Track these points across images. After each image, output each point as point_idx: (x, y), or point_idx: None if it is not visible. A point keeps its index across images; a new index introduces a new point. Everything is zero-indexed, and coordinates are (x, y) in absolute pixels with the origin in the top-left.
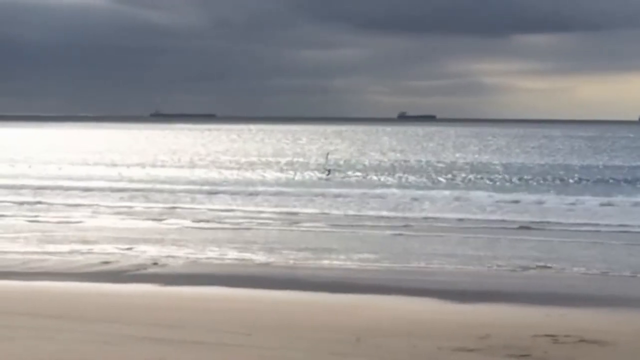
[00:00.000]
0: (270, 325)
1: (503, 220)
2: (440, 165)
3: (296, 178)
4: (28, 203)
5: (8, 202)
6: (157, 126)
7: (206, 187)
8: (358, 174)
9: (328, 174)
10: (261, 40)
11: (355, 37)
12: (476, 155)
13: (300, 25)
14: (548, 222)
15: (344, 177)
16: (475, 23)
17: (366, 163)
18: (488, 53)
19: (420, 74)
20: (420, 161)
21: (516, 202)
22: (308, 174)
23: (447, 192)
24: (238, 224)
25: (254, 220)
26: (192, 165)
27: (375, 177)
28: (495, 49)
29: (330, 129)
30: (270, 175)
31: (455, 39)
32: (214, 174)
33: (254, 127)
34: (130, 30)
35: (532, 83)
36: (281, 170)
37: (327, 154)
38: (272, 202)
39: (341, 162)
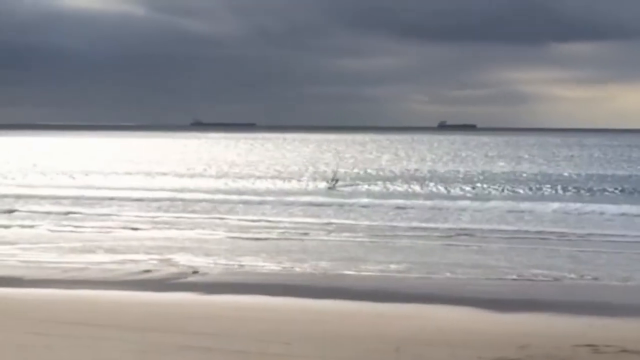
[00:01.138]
0: (310, 335)
1: (541, 232)
2: (472, 175)
3: (326, 187)
4: (65, 213)
5: (45, 212)
6: (196, 135)
7: (242, 197)
8: (388, 183)
9: (335, 184)
10: (300, 49)
11: (395, 46)
12: (513, 164)
13: (339, 34)
14: (587, 233)
15: (352, 187)
16: (514, 32)
17: (397, 172)
18: (527, 62)
19: (461, 83)
20: (457, 171)
21: (553, 212)
22: (342, 183)
23: (480, 203)
24: (275, 233)
25: (290, 230)
26: (228, 175)
27: (407, 187)
28: (534, 57)
29: (368, 137)
30: (303, 184)
31: (495, 48)
32: (249, 184)
33: (290, 136)
34: (169, 40)
35: (572, 92)
36: (313, 180)
37: (336, 170)
38: (306, 212)
39: (372, 172)
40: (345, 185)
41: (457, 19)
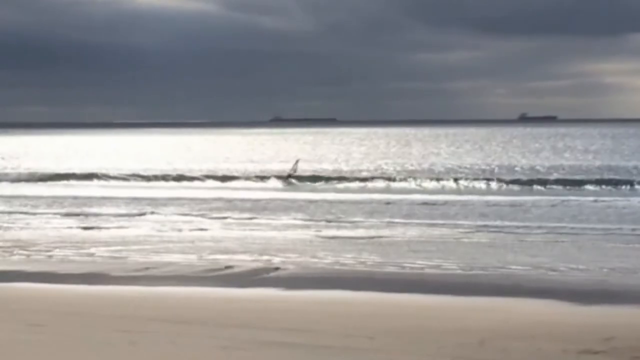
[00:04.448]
0: (394, 329)
1: (621, 228)
2: (540, 169)
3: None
4: (145, 213)
5: (125, 213)
6: (274, 131)
7: (311, 195)
8: (465, 178)
9: (288, 178)
10: (379, 44)
11: (473, 39)
12: (593, 156)
13: (417, 28)
14: None
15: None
16: (593, 23)
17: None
18: (606, 53)
19: (541, 74)
20: (534, 165)
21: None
22: (424, 182)
23: (550, 198)
24: (350, 229)
25: (370, 227)
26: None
27: (481, 184)
28: (613, 48)
29: (450, 131)
30: (381, 183)
31: (573, 39)
32: (319, 183)
33: (368, 130)
34: (245, 37)
35: None
36: (388, 176)
37: (297, 161)
38: (381, 209)
39: (442, 168)
40: (301, 179)
41: (535, 11)
